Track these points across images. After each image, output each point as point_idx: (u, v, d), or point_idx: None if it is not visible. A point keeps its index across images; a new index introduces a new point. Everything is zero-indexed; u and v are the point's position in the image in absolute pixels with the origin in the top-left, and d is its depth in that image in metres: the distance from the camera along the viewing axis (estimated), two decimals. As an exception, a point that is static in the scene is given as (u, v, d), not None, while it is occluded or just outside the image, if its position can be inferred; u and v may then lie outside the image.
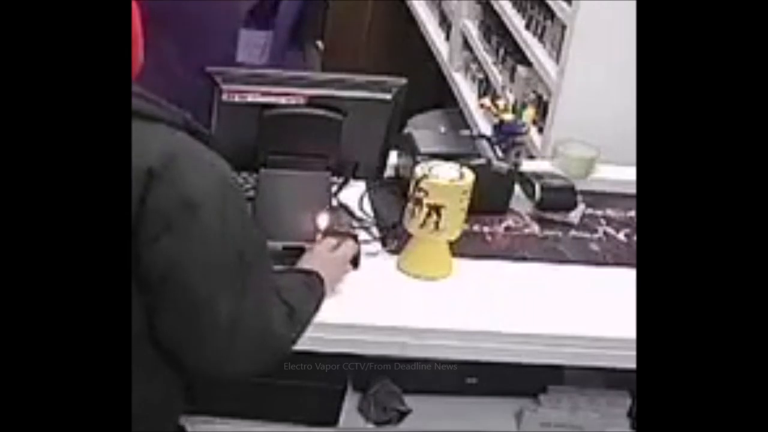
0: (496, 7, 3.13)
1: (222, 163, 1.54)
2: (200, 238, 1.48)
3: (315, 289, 1.72)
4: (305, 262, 1.78)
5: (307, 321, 1.67)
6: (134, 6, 1.49)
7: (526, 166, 2.32)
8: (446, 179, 1.85)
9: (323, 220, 1.85)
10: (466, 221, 1.93)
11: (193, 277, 1.49)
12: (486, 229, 2.12)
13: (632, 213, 2.23)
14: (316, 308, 1.71)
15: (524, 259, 2.05)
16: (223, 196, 1.51)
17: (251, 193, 1.95)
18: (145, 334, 1.52)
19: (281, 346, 1.62)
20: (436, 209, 1.85)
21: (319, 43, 2.92)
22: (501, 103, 2.34)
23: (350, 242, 1.85)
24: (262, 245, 1.60)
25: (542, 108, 2.72)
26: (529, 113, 2.36)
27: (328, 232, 1.85)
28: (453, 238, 1.91)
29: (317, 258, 1.79)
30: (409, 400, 2.23)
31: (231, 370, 1.59)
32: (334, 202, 2.02)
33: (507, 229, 2.14)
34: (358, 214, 2.10)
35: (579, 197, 2.20)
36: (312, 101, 1.84)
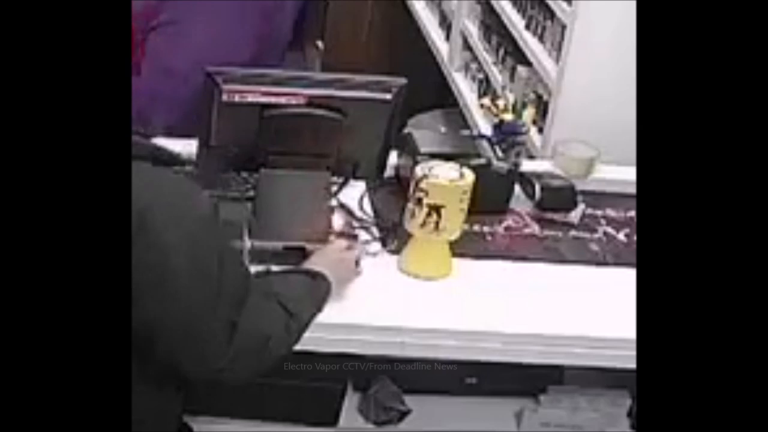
0: (496, 7, 3.13)
1: (197, 198, 1.54)
2: (186, 284, 1.48)
3: (317, 292, 1.72)
4: (314, 264, 1.78)
5: (306, 325, 1.67)
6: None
7: (526, 166, 2.31)
8: (446, 179, 1.85)
9: (338, 221, 1.85)
10: (466, 221, 1.93)
11: (188, 317, 1.50)
12: (486, 229, 2.12)
13: (632, 213, 2.23)
14: (319, 310, 1.71)
15: (524, 259, 2.05)
16: (204, 238, 1.51)
17: (251, 193, 1.95)
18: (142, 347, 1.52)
19: (280, 353, 1.63)
20: (436, 209, 1.85)
21: (319, 43, 2.92)
22: (501, 103, 2.34)
23: (359, 245, 1.85)
24: (246, 275, 1.62)
25: (542, 108, 2.72)
26: (529, 113, 2.36)
27: (339, 234, 1.85)
28: (453, 238, 1.91)
29: (326, 259, 1.79)
30: (409, 400, 2.23)
31: (230, 378, 1.60)
32: (334, 202, 2.02)
33: (507, 229, 2.14)
34: (358, 214, 2.10)
35: (579, 197, 2.20)
36: (312, 101, 1.83)
